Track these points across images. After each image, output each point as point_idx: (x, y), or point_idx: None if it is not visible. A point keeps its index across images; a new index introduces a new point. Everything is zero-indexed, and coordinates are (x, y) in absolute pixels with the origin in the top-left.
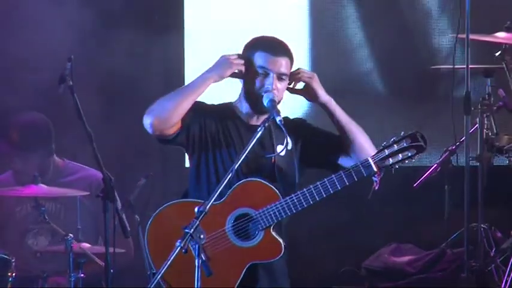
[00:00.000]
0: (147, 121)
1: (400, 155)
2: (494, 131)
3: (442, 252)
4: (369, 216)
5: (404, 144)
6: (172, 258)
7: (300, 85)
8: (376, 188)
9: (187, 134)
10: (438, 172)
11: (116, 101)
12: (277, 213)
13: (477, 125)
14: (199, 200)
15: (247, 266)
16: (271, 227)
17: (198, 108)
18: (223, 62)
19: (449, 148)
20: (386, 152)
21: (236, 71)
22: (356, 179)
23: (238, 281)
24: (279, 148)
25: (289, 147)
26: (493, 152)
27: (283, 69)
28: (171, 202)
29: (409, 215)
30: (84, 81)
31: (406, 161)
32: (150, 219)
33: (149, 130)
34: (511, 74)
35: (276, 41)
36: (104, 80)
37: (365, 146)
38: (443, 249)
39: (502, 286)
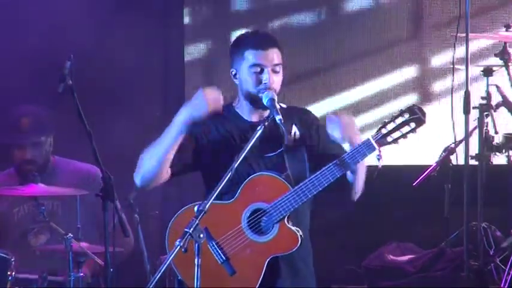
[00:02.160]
0: (137, 182)
1: (400, 130)
2: (494, 129)
3: (441, 251)
4: (369, 215)
5: (403, 119)
6: (171, 257)
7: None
8: (380, 166)
9: (183, 166)
10: (438, 171)
11: (115, 99)
12: (288, 204)
13: (476, 124)
14: (221, 202)
15: (267, 260)
16: (286, 219)
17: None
18: (196, 101)
19: (449, 147)
20: (386, 128)
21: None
22: (360, 161)
23: (261, 277)
24: (286, 140)
25: (297, 136)
26: (492, 151)
27: (276, 61)
28: (189, 205)
29: (409, 214)
30: (83, 78)
31: (408, 136)
32: (170, 224)
33: (142, 189)
34: (510, 73)
35: (262, 34)
36: (103, 77)
37: (357, 188)
38: (442, 248)
39: (502, 285)
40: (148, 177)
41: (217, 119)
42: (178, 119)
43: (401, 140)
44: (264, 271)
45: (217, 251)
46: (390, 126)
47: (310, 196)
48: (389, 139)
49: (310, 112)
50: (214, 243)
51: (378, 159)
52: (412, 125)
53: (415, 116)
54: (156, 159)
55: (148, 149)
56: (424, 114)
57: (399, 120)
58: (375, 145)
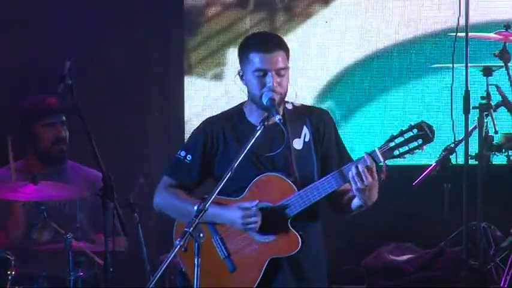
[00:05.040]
0: (155, 206)
1: (407, 146)
2: (494, 129)
3: (441, 251)
4: (368, 215)
5: (411, 134)
6: (171, 256)
7: None
8: (383, 178)
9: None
10: (437, 171)
11: (115, 99)
12: (292, 206)
13: (476, 123)
14: (229, 198)
15: (268, 260)
16: (289, 221)
17: (196, 142)
18: (235, 221)
19: (449, 147)
20: (394, 142)
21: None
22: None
23: (260, 277)
24: (295, 142)
25: (307, 138)
26: (492, 151)
27: (280, 64)
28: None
29: (409, 213)
30: (82, 78)
31: (415, 151)
32: (176, 221)
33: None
34: (510, 73)
35: (268, 36)
36: (103, 77)
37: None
38: (442, 248)
39: (501, 285)
40: (167, 215)
41: (226, 125)
42: (212, 218)
43: (407, 155)
44: (263, 271)
45: (220, 246)
46: (398, 140)
47: (313, 201)
48: (395, 153)
49: (326, 112)
50: (218, 238)
51: (382, 172)
52: (420, 141)
53: (423, 133)
54: (178, 217)
55: (176, 202)
56: (432, 132)
57: (407, 134)
58: (381, 157)
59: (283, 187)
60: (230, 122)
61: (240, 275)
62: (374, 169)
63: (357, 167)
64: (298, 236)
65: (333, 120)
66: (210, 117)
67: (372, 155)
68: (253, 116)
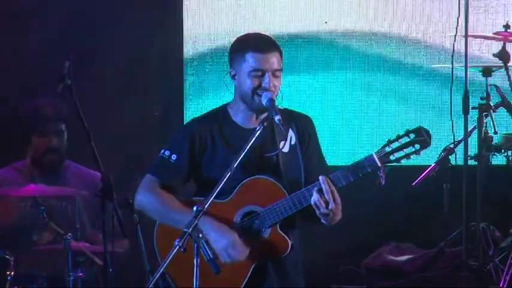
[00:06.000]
0: (136, 205)
1: (404, 150)
2: (493, 130)
3: (440, 251)
4: (368, 215)
5: (408, 139)
6: (171, 257)
7: None
8: (383, 183)
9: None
10: (437, 171)
11: (115, 99)
12: (283, 210)
13: (476, 124)
14: (216, 200)
15: (254, 264)
16: (278, 225)
17: (182, 141)
18: (218, 246)
19: (448, 147)
20: (391, 147)
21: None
22: (361, 175)
23: (246, 279)
24: (282, 145)
25: (293, 141)
26: (491, 151)
27: (276, 65)
28: None
29: (408, 214)
30: (82, 77)
31: (412, 156)
32: (156, 228)
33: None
34: (509, 73)
35: (263, 37)
36: (102, 77)
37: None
38: (442, 248)
39: (501, 285)
40: (147, 215)
41: (213, 126)
42: (205, 234)
43: (404, 160)
44: (249, 274)
45: (205, 249)
46: (394, 145)
47: (305, 205)
48: (392, 157)
49: (309, 118)
50: (203, 241)
51: (380, 176)
52: (417, 146)
53: (421, 138)
54: (160, 220)
55: (160, 204)
56: (430, 136)
57: (404, 140)
58: (378, 162)
59: (273, 190)
60: (216, 122)
61: (226, 278)
62: (335, 192)
63: (319, 193)
64: (288, 240)
65: (315, 127)
66: (195, 118)
67: (369, 159)
68: (239, 117)
